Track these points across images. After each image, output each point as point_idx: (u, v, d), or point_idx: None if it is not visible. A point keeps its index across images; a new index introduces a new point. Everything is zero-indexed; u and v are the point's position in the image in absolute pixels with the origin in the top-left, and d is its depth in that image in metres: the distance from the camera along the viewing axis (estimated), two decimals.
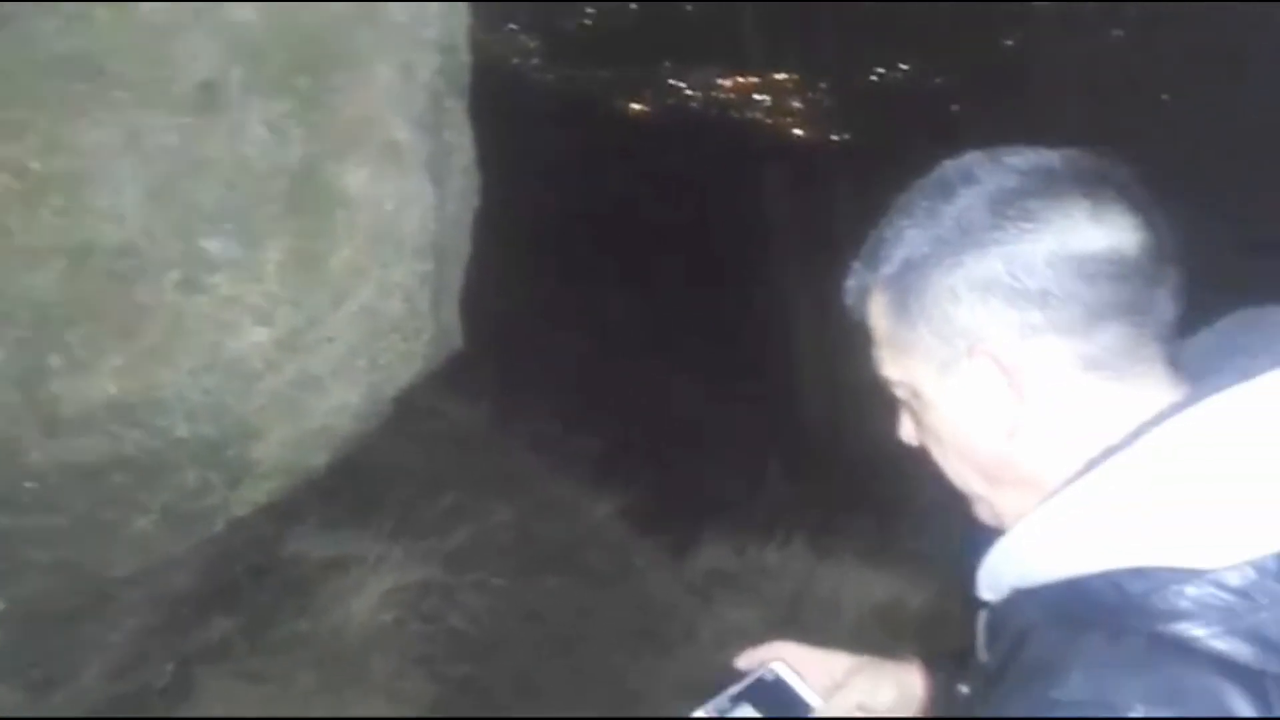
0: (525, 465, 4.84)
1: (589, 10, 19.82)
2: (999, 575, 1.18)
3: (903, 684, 1.52)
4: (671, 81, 20.33)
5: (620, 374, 5.41)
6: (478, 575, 4.32)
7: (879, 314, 1.19)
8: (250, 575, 3.80)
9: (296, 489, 3.34)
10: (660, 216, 5.46)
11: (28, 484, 2.61)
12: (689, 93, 20.64)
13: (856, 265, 1.21)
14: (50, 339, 2.47)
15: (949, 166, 1.17)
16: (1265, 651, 1.04)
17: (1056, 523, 1.11)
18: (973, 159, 1.15)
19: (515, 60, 18.64)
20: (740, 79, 20.88)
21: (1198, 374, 1.13)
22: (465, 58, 2.92)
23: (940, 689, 1.53)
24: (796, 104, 20.83)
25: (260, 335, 2.66)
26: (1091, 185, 1.12)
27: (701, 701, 1.43)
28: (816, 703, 1.45)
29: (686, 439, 5.33)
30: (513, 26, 18.87)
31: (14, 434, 2.52)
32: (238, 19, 2.52)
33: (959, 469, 1.21)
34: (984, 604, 1.25)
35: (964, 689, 1.43)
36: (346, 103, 2.60)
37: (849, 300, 1.22)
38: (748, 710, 1.44)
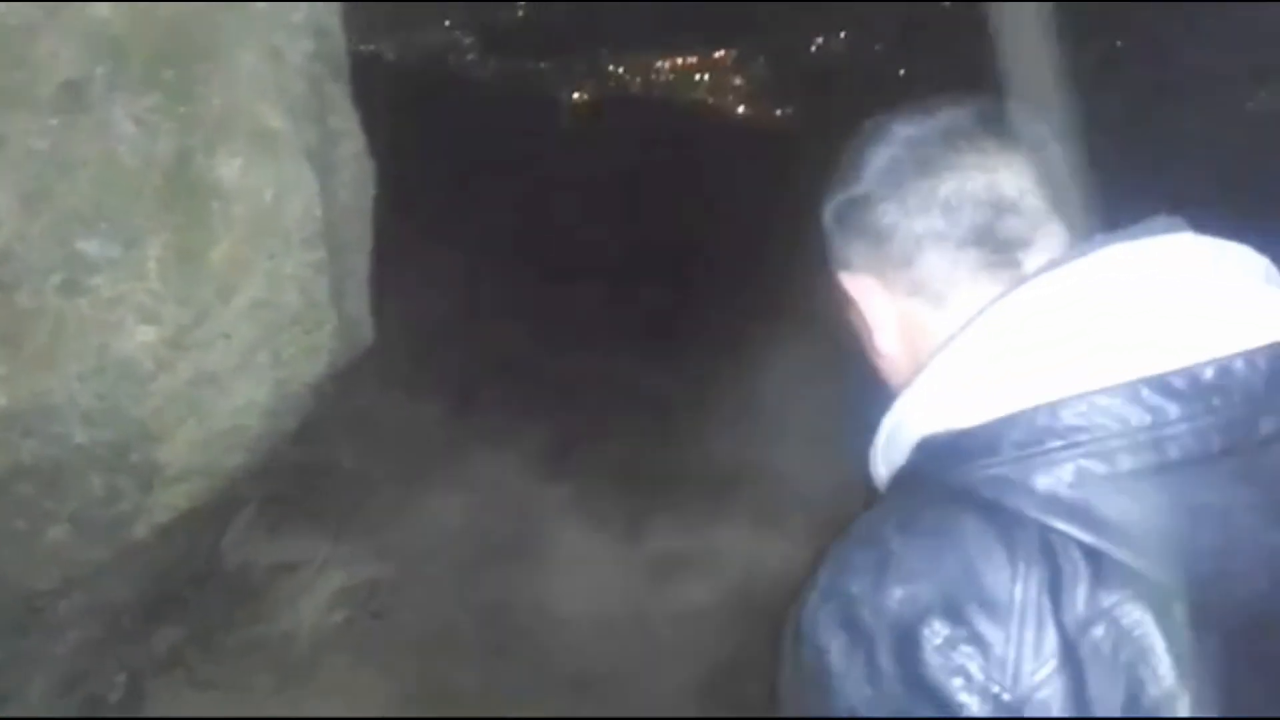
0: (466, 456, 4.83)
1: (520, 4, 19.87)
2: (875, 460, 1.28)
3: None
4: (610, 68, 20.34)
5: (562, 361, 5.40)
6: (427, 569, 4.32)
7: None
8: (192, 585, 3.80)
9: (222, 490, 3.32)
10: (608, 203, 5.47)
11: None
12: (629, 78, 20.64)
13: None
14: None
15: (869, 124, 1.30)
16: (1025, 498, 1.12)
17: (910, 400, 1.22)
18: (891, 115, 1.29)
19: (451, 57, 18.84)
20: (679, 60, 20.86)
21: None
22: (341, 41, 2.91)
23: None
24: (737, 81, 20.82)
25: (148, 335, 2.65)
26: (988, 132, 1.24)
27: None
28: None
29: (631, 421, 5.32)
30: (447, 23, 19.09)
31: None
32: (96, 16, 2.51)
33: (878, 366, 1.34)
34: None
35: None
36: (214, 93, 2.59)
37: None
38: None
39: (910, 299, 1.28)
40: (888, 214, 1.27)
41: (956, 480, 1.15)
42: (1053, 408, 1.13)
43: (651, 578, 4.84)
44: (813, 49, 19.72)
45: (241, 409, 3.01)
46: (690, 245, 5.80)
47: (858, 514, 1.37)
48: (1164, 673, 1.10)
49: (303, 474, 4.41)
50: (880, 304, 1.30)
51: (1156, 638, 1.10)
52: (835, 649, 1.10)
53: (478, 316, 5.38)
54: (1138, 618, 1.10)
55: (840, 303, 1.34)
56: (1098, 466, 1.13)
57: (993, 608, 1.08)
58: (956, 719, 1.06)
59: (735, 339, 5.69)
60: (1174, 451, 1.14)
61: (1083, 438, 1.13)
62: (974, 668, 1.07)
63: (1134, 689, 1.09)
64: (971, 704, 1.06)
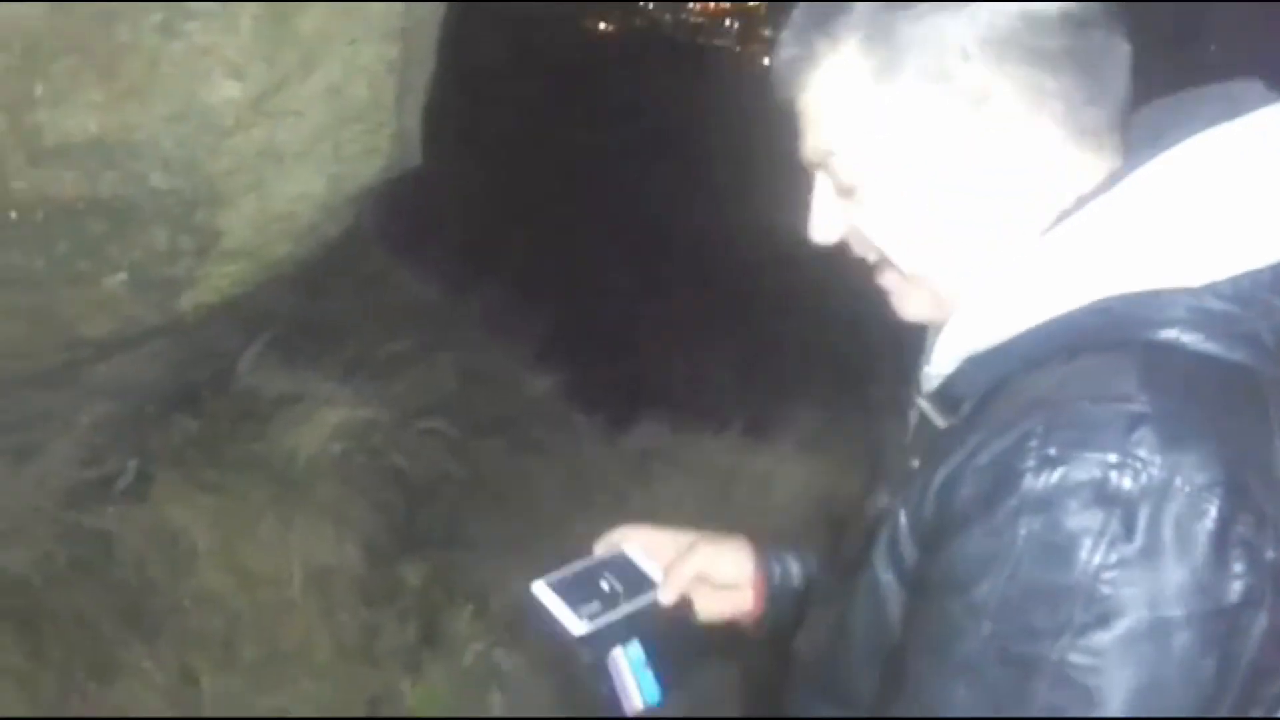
0: (470, 335, 5.05)
1: None
2: (952, 348, 1.19)
3: (739, 561, 1.61)
4: (643, 3, 20.02)
5: (567, 261, 5.62)
6: (421, 422, 4.52)
7: (840, 82, 1.18)
8: (211, 387, 3.99)
9: (261, 290, 3.52)
10: (621, 127, 5.65)
11: (13, 214, 2.80)
12: (660, 15, 20.45)
13: (794, 33, 1.19)
14: (37, 69, 2.66)
15: None
16: (1261, 355, 1.09)
17: (1029, 271, 1.13)
18: None
19: None
20: (712, 4, 20.78)
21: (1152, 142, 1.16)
22: None
23: (768, 569, 1.62)
24: (766, 32, 20.66)
25: (233, 90, 2.85)
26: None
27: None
28: (658, 576, 1.56)
29: (630, 326, 5.54)
30: None
31: (1, 160, 2.70)
32: None
33: (907, 248, 1.21)
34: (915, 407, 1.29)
35: (792, 570, 1.60)
36: None
37: (785, 75, 1.20)
38: (592, 582, 1.51)
39: (1071, 144, 1.16)
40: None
41: (1169, 339, 1.08)
42: (1275, 268, 1.09)
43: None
44: None
45: (298, 197, 3.22)
46: (695, 180, 6.02)
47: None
48: None
49: (315, 321, 4.62)
50: (992, 149, 1.17)
51: None
52: (1083, 514, 1.01)
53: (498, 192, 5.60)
54: None
55: (865, 159, 1.20)
56: None
57: (1265, 472, 1.04)
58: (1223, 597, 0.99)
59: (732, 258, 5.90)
60: None
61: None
62: (1255, 539, 1.01)
63: None
64: (1246, 576, 1.00)
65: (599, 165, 5.94)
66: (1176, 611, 0.98)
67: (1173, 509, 0.99)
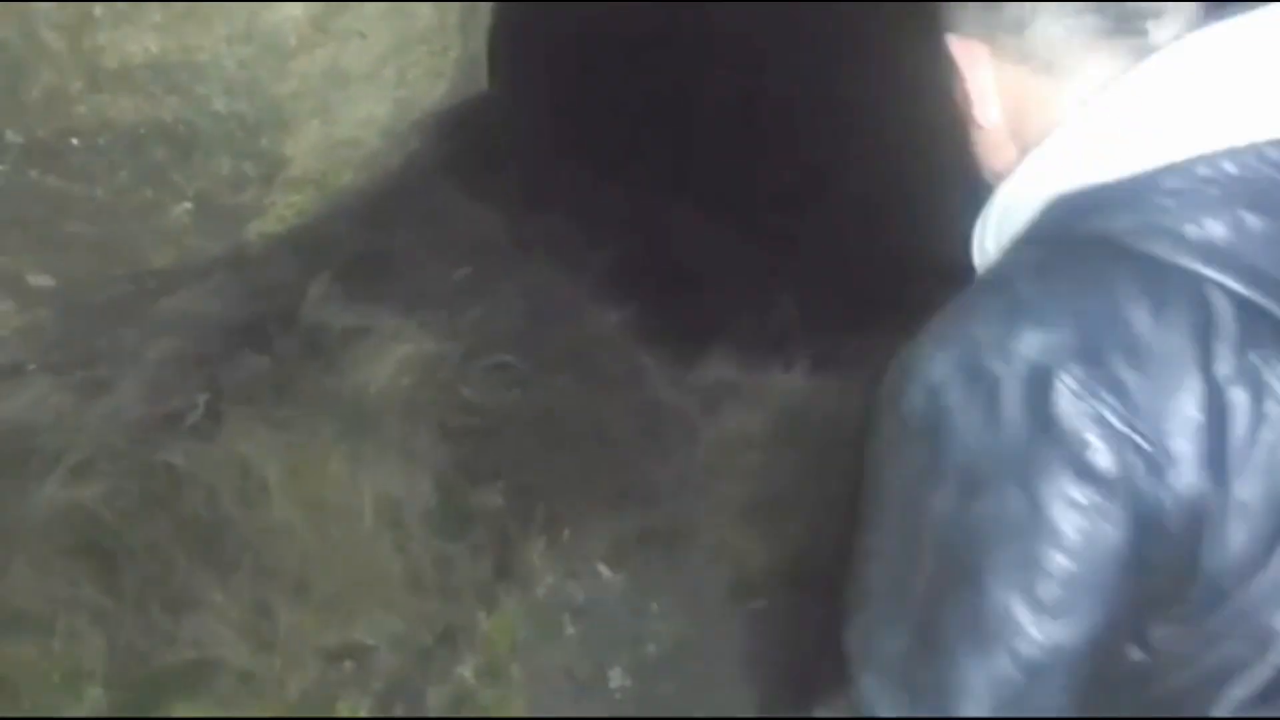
0: (537, 268, 4.98)
1: None
2: (982, 236, 1.25)
3: None
4: None
5: (636, 193, 5.53)
6: (489, 356, 4.48)
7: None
8: (277, 321, 3.95)
9: (326, 220, 3.47)
10: (695, 53, 5.53)
11: (74, 140, 2.75)
12: None
13: None
14: None
15: None
16: (1178, 246, 1.08)
17: (1038, 164, 1.18)
18: None
19: None
20: None
21: None
22: None
23: None
24: None
25: (294, 10, 2.79)
26: None
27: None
28: None
29: (698, 261, 5.45)
30: None
31: (61, 84, 2.65)
32: None
33: (976, 142, 1.29)
34: None
35: None
36: None
37: None
38: None
39: (1019, 67, 1.21)
40: None
41: (1096, 232, 1.11)
42: (1214, 158, 1.10)
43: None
44: None
45: (363, 121, 3.16)
46: (773, 111, 5.90)
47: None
48: None
49: (380, 253, 4.58)
50: (986, 72, 1.23)
51: None
52: (953, 394, 1.06)
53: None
54: None
55: (947, 73, 1.28)
56: (1257, 221, 1.08)
57: (1135, 352, 1.04)
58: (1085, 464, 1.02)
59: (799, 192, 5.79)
60: None
61: (1242, 188, 1.09)
62: (1110, 415, 1.02)
63: (1275, 460, 1.05)
64: (1103, 450, 1.02)
65: (671, 93, 5.80)
66: (1035, 482, 1.02)
67: (1030, 384, 1.03)
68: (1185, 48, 1.13)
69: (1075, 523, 1.02)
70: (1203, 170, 1.09)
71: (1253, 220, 1.08)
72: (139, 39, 2.67)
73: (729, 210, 5.55)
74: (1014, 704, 1.03)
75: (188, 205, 3.03)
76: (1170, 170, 1.09)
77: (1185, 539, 1.05)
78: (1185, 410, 1.03)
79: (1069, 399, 1.02)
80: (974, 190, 1.30)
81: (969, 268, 1.30)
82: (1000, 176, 1.24)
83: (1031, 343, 1.04)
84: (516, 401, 4.47)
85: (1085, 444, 1.02)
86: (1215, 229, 1.07)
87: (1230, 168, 1.09)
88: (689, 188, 5.47)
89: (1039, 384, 1.03)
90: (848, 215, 5.45)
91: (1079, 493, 1.02)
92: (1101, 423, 1.02)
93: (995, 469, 1.04)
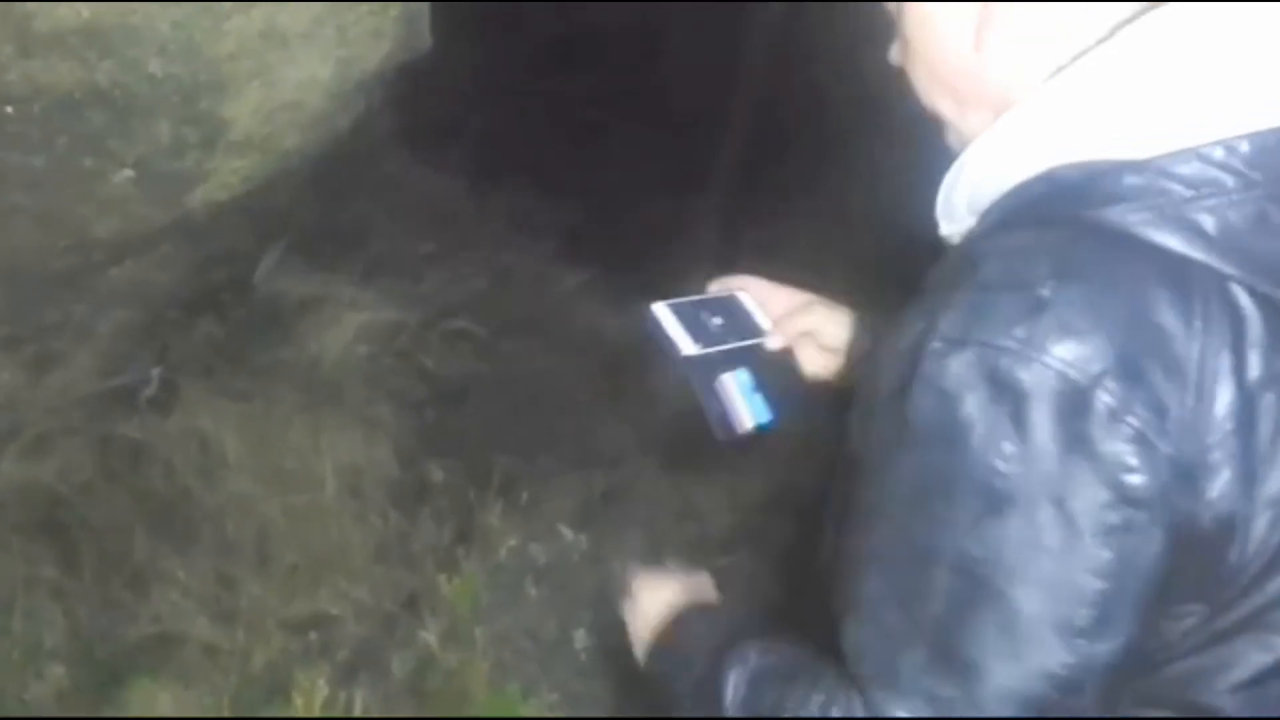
0: (495, 232, 4.95)
1: None
2: (952, 200, 1.18)
3: (848, 326, 1.54)
4: None
5: (592, 151, 5.49)
6: (447, 322, 4.45)
7: None
8: (230, 291, 3.91)
9: (270, 184, 3.43)
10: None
11: (8, 108, 2.71)
12: None
13: None
14: None
15: None
16: (1195, 241, 1.02)
17: (1010, 132, 1.11)
18: None
19: None
20: None
21: None
22: None
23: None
24: None
25: None
26: None
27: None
28: (767, 326, 1.55)
29: (657, 222, 5.42)
30: None
31: None
32: None
33: (930, 88, 1.20)
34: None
35: None
36: None
37: None
38: (706, 315, 1.55)
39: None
40: None
41: (1108, 222, 1.04)
42: (1231, 143, 1.03)
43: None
44: None
45: (305, 83, 3.11)
46: (729, 61, 5.84)
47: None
48: None
49: (333, 221, 4.53)
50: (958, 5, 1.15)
51: None
52: (973, 404, 1.00)
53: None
54: None
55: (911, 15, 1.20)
56: (1278, 212, 1.03)
57: (1171, 363, 0.99)
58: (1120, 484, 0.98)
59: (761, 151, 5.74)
60: None
61: (1262, 176, 1.03)
62: (1150, 432, 0.98)
63: None
64: (1141, 471, 0.98)
65: (626, 46, 5.73)
66: (1068, 503, 0.97)
67: (1063, 400, 0.97)
68: (1190, 10, 1.06)
69: (1112, 545, 0.99)
70: (1219, 155, 1.03)
71: (1274, 212, 1.03)
72: (70, 3, 2.62)
73: (691, 169, 5.50)
74: (1045, 713, 1.02)
75: (129, 172, 2.98)
76: (1184, 155, 1.03)
77: (1216, 544, 1.04)
78: (1220, 421, 1.01)
79: (1106, 418, 0.98)
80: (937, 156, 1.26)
81: (933, 231, 1.26)
82: (965, 135, 1.19)
83: (1062, 353, 0.98)
84: (477, 367, 4.44)
85: (1123, 466, 0.98)
86: (1235, 222, 1.02)
87: (1250, 152, 1.03)
88: (650, 144, 5.42)
89: (1073, 401, 0.98)
90: (816, 174, 5.42)
91: (1116, 516, 0.99)
92: (1140, 441, 0.98)
93: (1024, 488, 0.99)
